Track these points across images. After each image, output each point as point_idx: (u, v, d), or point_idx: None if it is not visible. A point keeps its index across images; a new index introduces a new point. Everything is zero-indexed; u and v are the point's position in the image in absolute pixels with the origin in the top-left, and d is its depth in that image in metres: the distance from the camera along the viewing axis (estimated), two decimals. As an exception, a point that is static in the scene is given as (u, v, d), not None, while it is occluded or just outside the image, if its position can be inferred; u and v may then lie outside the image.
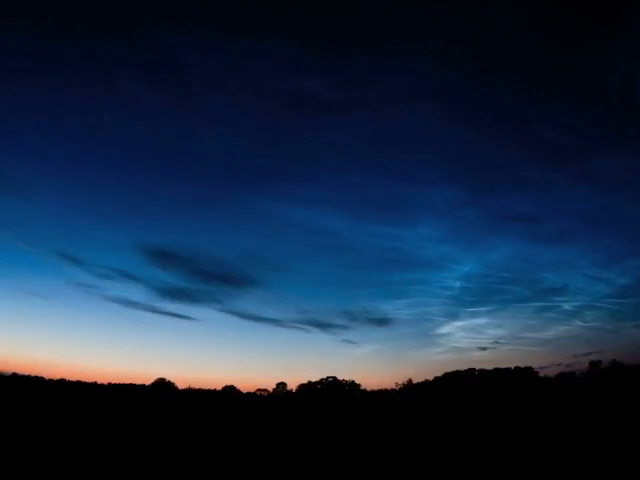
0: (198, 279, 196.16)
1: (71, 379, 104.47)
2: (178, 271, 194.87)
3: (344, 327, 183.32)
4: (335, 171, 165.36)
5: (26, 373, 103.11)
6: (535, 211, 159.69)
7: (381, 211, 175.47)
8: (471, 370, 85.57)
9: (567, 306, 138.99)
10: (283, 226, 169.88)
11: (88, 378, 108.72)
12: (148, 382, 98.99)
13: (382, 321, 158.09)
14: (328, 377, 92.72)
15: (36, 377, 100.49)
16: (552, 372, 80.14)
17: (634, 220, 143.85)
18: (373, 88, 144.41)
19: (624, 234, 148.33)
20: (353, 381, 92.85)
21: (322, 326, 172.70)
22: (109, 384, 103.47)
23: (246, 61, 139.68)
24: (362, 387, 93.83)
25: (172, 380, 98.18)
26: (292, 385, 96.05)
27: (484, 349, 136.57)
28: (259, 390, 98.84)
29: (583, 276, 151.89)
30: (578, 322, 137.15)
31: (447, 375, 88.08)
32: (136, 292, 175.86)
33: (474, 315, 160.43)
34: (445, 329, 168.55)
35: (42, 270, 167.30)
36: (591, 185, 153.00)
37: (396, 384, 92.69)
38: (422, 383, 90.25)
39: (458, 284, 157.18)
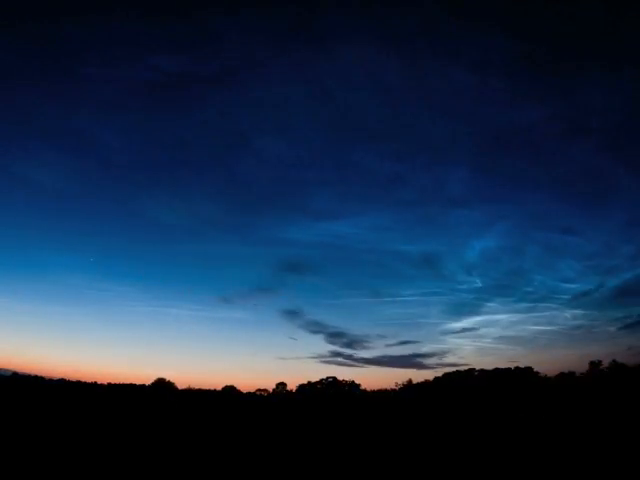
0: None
1: (71, 379, 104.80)
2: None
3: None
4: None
5: (26, 373, 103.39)
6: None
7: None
8: (471, 370, 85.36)
9: (558, 306, 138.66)
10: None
11: (88, 378, 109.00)
12: (148, 382, 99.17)
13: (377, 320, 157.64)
14: (328, 377, 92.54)
15: (36, 377, 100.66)
16: (552, 372, 79.95)
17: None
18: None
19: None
20: (353, 381, 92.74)
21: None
22: (109, 384, 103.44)
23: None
24: (362, 387, 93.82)
25: (172, 380, 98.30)
26: (292, 385, 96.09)
27: (482, 350, 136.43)
28: (259, 390, 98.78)
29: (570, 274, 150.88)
30: (571, 322, 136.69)
31: (447, 375, 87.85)
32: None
33: (473, 316, 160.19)
34: (444, 329, 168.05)
35: (42, 271, 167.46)
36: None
37: (396, 384, 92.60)
38: (422, 383, 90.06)
39: (451, 283, 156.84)
